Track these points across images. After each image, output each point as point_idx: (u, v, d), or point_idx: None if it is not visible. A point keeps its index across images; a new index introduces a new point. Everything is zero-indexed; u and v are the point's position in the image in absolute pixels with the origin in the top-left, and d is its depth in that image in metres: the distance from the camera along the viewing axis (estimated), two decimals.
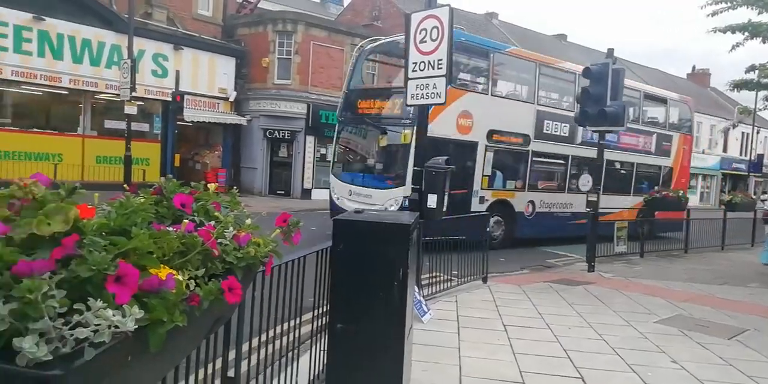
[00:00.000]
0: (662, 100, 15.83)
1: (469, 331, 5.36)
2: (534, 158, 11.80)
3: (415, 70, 5.80)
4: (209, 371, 2.44)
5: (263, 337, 2.89)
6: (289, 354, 3.26)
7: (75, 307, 0.93)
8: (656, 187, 14.84)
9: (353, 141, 12.44)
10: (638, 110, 14.58)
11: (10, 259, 0.92)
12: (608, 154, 11.38)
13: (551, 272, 9.37)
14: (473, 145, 10.69)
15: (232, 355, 2.72)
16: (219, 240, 1.51)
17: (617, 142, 13.48)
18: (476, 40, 12.10)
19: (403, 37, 6.24)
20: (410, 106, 6.31)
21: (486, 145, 10.83)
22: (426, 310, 5.61)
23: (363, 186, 11.23)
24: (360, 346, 3.13)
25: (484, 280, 7.71)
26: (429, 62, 5.64)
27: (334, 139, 12.50)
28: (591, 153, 10.92)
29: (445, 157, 6.24)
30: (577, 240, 10.84)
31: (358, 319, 3.11)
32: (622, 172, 14.50)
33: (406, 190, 9.67)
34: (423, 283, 6.37)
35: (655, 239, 12.41)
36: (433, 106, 8.15)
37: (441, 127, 9.62)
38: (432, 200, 5.89)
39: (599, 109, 8.46)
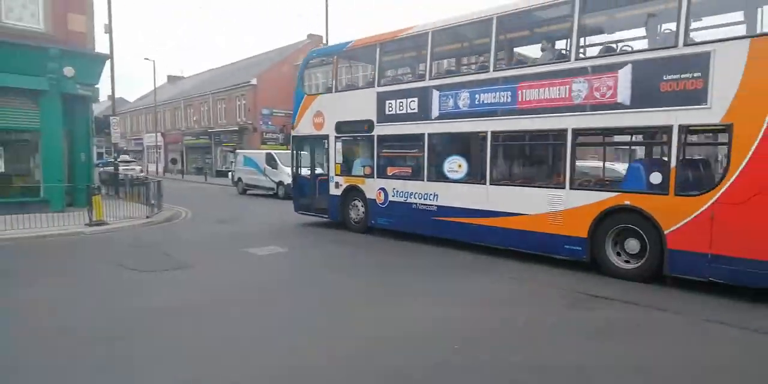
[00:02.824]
0: None
1: None
2: (382, 143, 11.60)
3: None
4: None
5: None
6: None
7: None
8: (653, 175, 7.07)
9: None
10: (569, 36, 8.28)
11: None
12: (500, 124, 9.01)
13: None
14: (325, 138, 12.59)
15: None
16: None
17: (513, 103, 8.68)
18: (324, 50, 13.97)
19: None
20: None
21: (335, 136, 12.38)
22: None
23: None
24: None
25: None
26: None
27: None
28: (457, 127, 9.67)
29: None
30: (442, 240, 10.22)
31: None
32: (540, 149, 9.85)
33: None
34: None
35: None
36: (299, 112, 13.03)
37: (304, 127, 13.00)
38: None
39: None
